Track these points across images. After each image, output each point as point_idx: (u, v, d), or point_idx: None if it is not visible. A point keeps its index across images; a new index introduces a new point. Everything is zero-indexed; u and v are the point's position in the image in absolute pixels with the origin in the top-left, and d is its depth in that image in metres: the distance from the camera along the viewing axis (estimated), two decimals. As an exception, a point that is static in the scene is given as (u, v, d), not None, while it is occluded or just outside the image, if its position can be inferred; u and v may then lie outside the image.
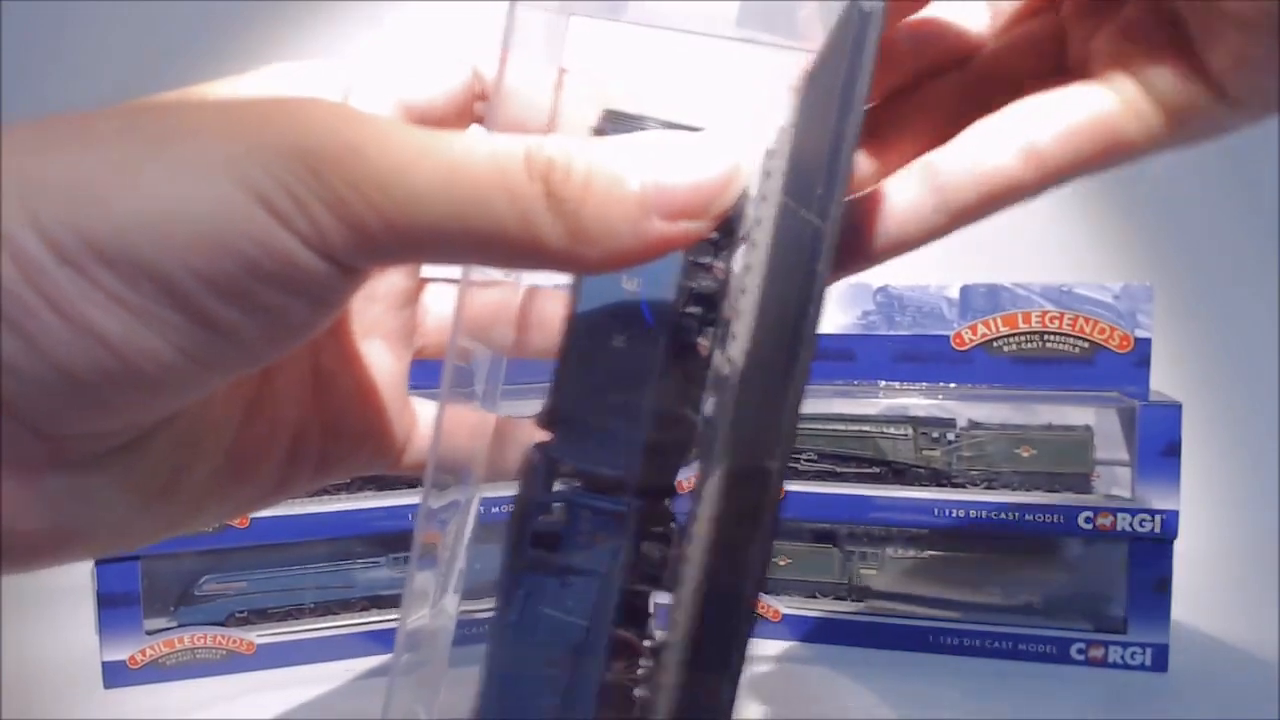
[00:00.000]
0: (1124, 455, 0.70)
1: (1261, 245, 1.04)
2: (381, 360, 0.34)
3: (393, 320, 0.34)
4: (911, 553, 0.73)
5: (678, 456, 0.30)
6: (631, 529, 0.29)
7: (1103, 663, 0.68)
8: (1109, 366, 0.70)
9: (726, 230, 0.30)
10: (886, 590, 0.73)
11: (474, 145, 0.23)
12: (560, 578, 0.29)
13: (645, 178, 0.24)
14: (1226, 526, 0.86)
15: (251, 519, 0.67)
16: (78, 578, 0.73)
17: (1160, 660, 0.67)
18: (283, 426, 0.31)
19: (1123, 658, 0.68)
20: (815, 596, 0.74)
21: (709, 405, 0.30)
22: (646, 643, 0.30)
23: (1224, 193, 1.07)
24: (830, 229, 0.23)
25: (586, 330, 0.30)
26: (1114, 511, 0.67)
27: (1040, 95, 0.30)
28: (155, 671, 0.66)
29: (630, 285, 0.30)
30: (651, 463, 0.30)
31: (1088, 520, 0.68)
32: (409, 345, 0.35)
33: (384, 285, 0.34)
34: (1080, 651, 0.68)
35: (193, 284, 0.21)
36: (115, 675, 0.65)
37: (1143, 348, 0.70)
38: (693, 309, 0.30)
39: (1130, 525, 0.67)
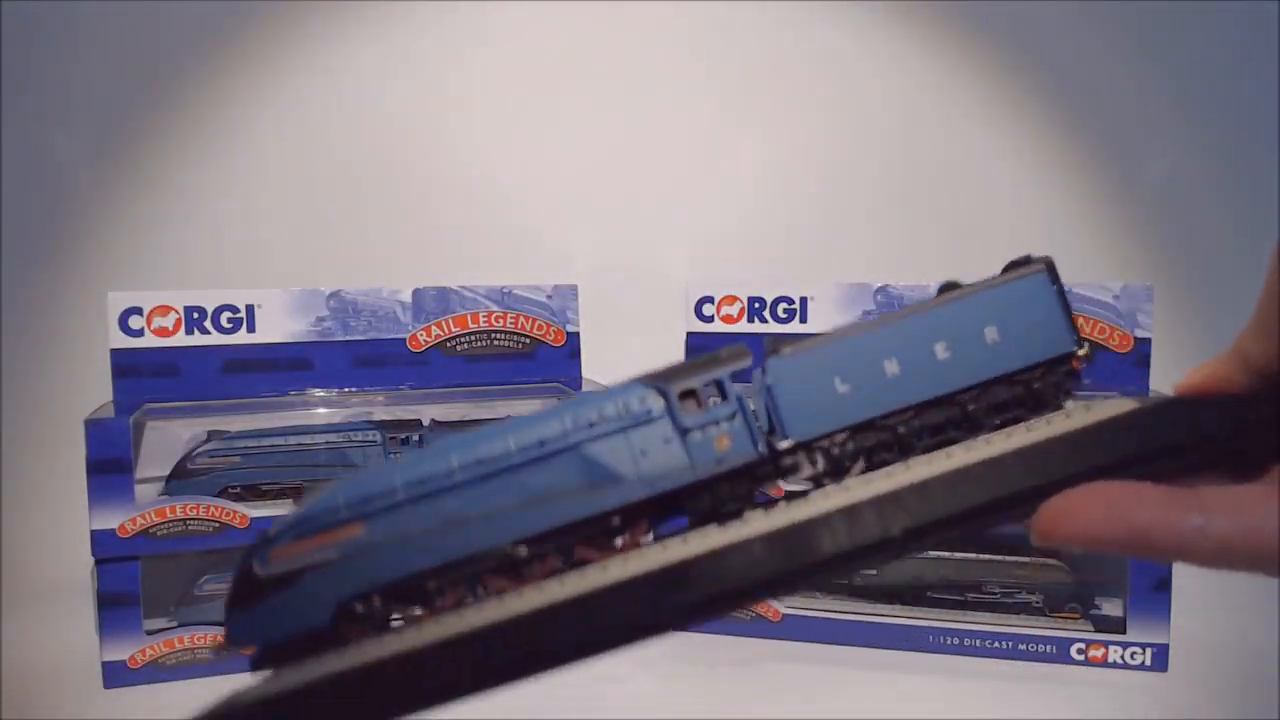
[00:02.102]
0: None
1: (1261, 245, 1.04)
2: None
3: None
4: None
5: (859, 457, 0.34)
6: (756, 467, 0.33)
7: (1103, 663, 0.68)
8: (1109, 366, 0.70)
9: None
10: (886, 590, 0.73)
11: None
12: (673, 430, 0.33)
13: None
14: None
15: (251, 519, 0.67)
16: (78, 578, 0.73)
17: (1160, 660, 0.67)
18: None
19: (1123, 658, 0.68)
20: (815, 596, 0.74)
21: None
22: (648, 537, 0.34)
23: (1224, 193, 1.07)
24: None
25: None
26: (1114, 511, 0.67)
27: None
28: (155, 671, 0.66)
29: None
30: (833, 447, 0.34)
31: (1088, 520, 0.68)
32: None
33: None
34: (1080, 651, 0.68)
35: None
36: (115, 675, 0.65)
37: (1143, 348, 0.70)
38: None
39: (1130, 525, 0.67)
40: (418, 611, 0.33)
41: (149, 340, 0.70)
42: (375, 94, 1.06)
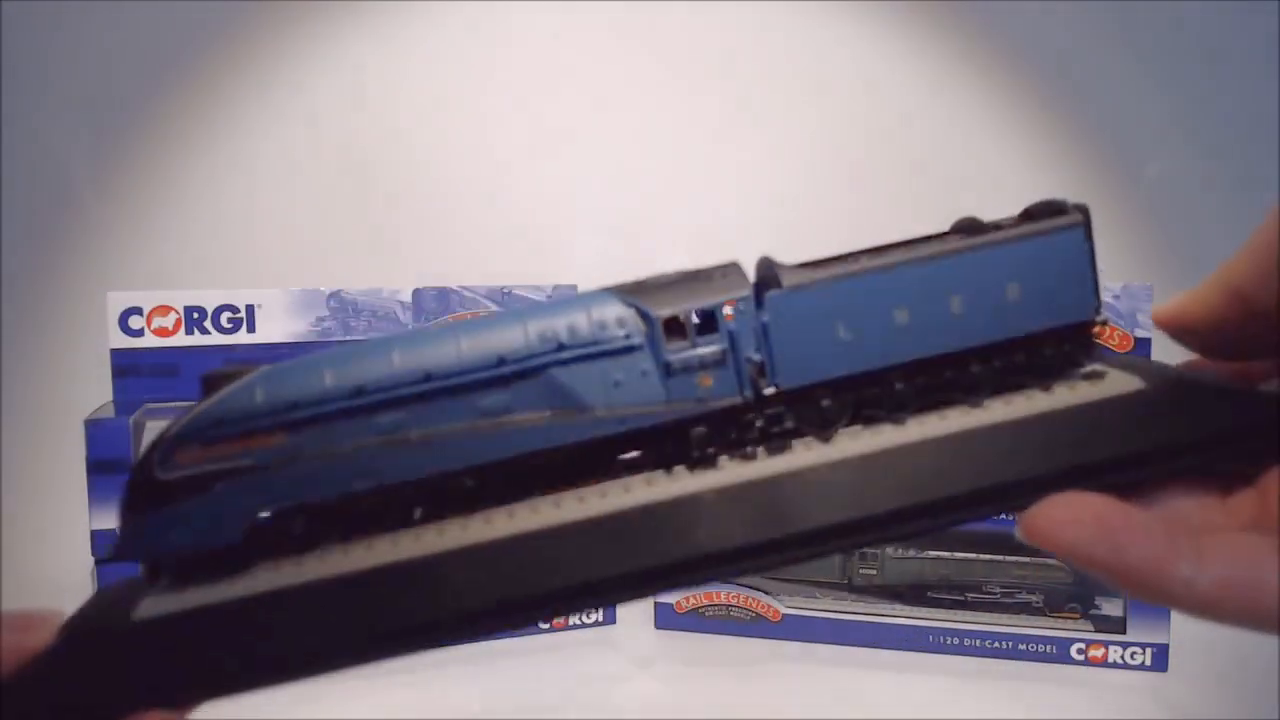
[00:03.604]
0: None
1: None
2: None
3: None
4: (911, 553, 0.73)
5: (825, 419, 0.31)
6: (738, 412, 0.30)
7: (1103, 663, 0.68)
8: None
9: None
10: (886, 590, 0.73)
11: None
12: (654, 363, 0.29)
13: None
14: (1226, 526, 0.86)
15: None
16: (78, 578, 0.73)
17: (1160, 660, 0.67)
18: None
19: (1123, 658, 0.68)
20: (815, 596, 0.74)
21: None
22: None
23: (1224, 193, 1.07)
24: None
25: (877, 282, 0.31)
26: (1114, 511, 0.67)
27: None
28: (155, 671, 0.66)
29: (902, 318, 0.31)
30: (802, 404, 0.30)
31: (1088, 520, 0.68)
32: None
33: None
34: (1080, 651, 0.68)
35: None
36: (115, 675, 0.65)
37: (1143, 348, 0.70)
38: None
39: (1130, 525, 0.67)
40: (341, 537, 0.28)
41: (149, 340, 0.70)
42: (375, 94, 1.06)
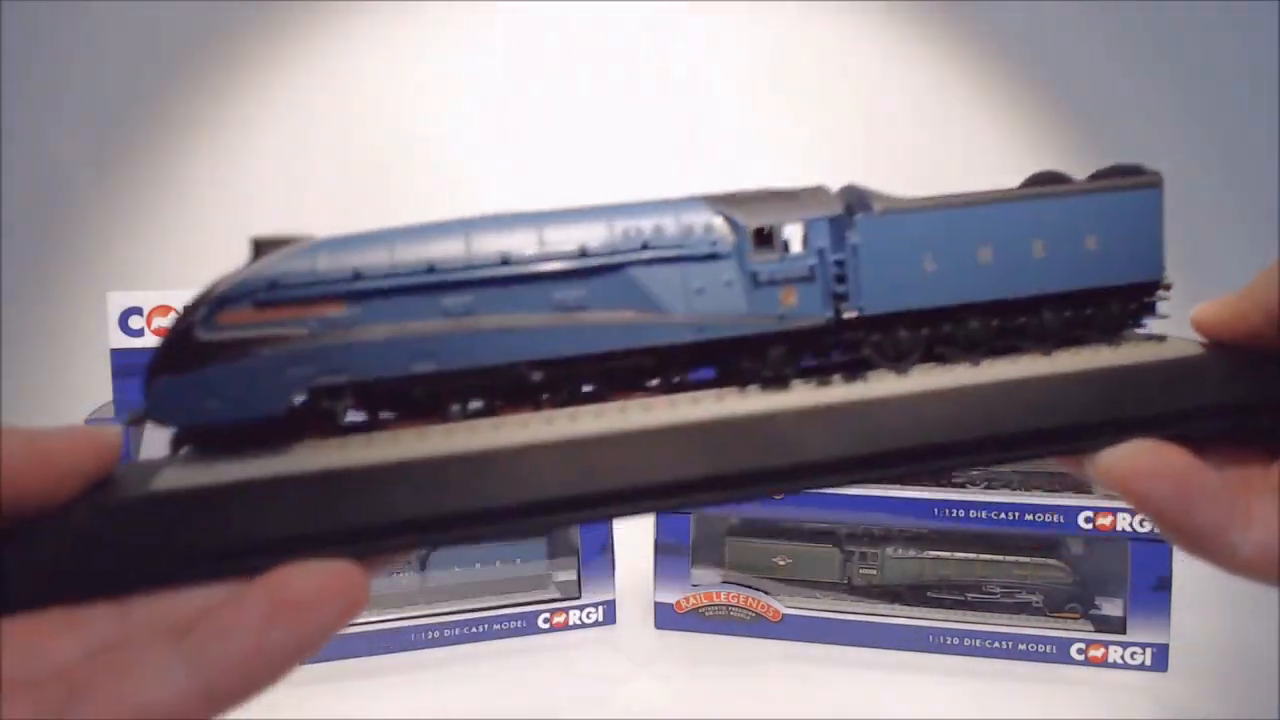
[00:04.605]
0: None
1: (1261, 245, 1.04)
2: None
3: None
4: (911, 553, 0.73)
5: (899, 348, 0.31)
6: (819, 333, 0.30)
7: (1103, 663, 0.68)
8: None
9: None
10: (886, 590, 0.73)
11: None
12: (739, 273, 0.29)
13: None
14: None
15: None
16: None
17: (1160, 660, 0.67)
18: None
19: (1123, 658, 0.68)
20: (815, 596, 0.74)
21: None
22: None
23: (1224, 193, 1.07)
24: None
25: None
26: (1114, 511, 0.67)
27: None
28: (155, 671, 0.65)
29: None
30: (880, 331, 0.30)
31: (1088, 520, 0.68)
32: None
33: None
34: (1080, 651, 0.68)
35: None
36: (115, 675, 0.65)
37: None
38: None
39: (1130, 525, 0.67)
40: (391, 418, 0.27)
41: (149, 340, 0.70)
42: (375, 94, 1.06)
